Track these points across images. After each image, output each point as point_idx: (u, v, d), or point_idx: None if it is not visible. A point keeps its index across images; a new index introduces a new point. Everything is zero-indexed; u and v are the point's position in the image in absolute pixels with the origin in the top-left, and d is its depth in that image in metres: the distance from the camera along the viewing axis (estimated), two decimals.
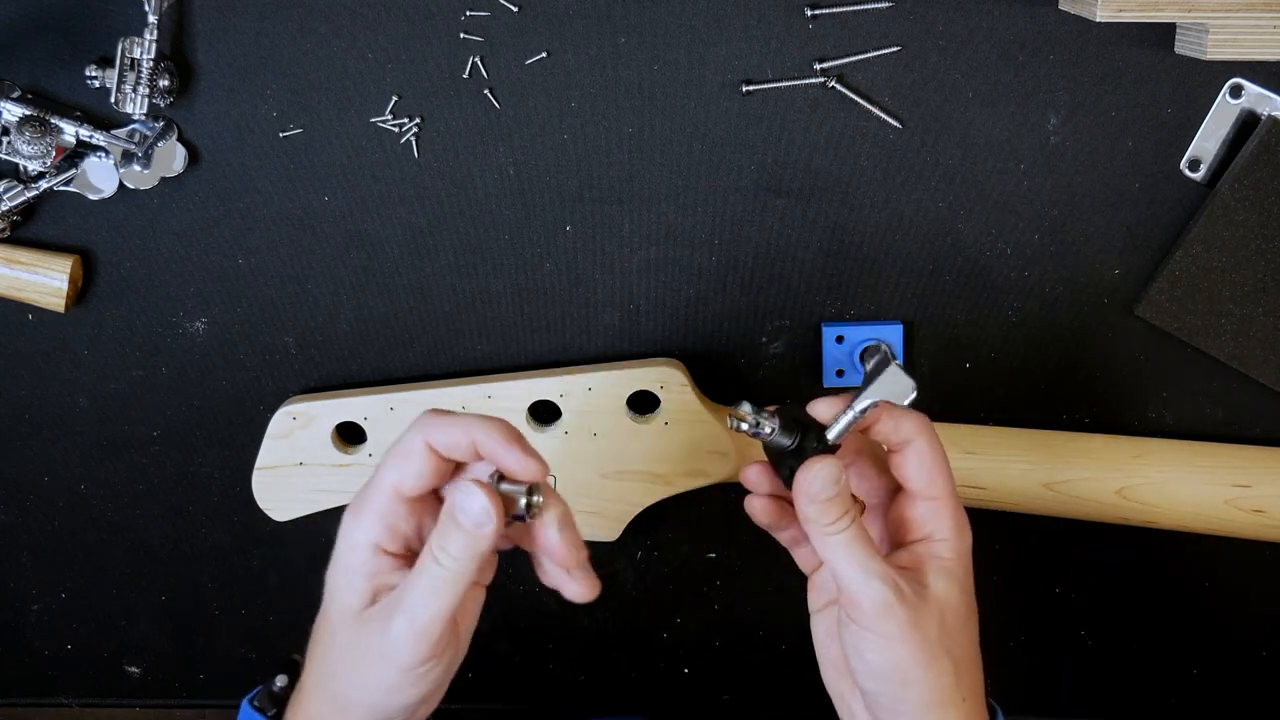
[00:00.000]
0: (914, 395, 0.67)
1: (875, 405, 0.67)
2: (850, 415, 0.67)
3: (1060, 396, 0.89)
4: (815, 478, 0.65)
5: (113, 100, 0.80)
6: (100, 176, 0.84)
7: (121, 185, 0.84)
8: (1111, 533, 0.91)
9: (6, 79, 0.82)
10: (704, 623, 0.95)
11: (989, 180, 0.85)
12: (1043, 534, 0.92)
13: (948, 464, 0.68)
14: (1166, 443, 0.88)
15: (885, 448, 0.69)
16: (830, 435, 0.67)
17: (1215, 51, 0.77)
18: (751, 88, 0.83)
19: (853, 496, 0.68)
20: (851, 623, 0.66)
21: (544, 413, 0.87)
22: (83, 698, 0.97)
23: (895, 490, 0.70)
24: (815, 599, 0.71)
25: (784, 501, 0.71)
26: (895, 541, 0.70)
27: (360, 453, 0.87)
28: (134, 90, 0.80)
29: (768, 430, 0.66)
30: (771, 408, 0.67)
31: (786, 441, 0.67)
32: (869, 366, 0.67)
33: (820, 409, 0.68)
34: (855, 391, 0.67)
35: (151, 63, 0.79)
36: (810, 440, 0.67)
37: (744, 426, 0.66)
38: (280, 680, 0.77)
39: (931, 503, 0.68)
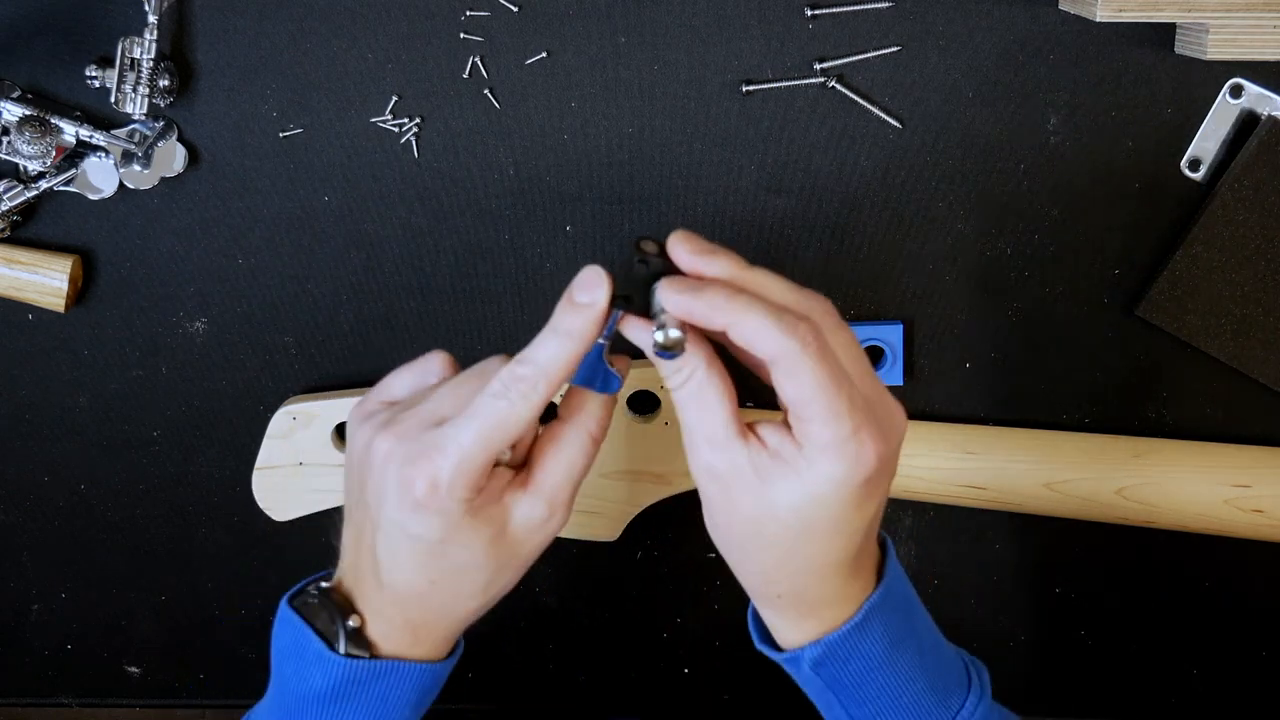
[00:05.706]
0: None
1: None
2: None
3: (1060, 396, 0.89)
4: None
5: (113, 100, 0.80)
6: (100, 176, 0.84)
7: (121, 185, 0.84)
8: (1111, 533, 0.91)
9: (6, 79, 0.82)
10: (704, 623, 0.95)
11: (989, 180, 0.85)
12: (1043, 534, 0.92)
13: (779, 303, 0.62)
14: (1166, 443, 0.88)
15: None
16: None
17: (1215, 51, 0.77)
18: (751, 88, 0.83)
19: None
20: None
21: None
22: (83, 698, 0.97)
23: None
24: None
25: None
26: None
27: None
28: (134, 90, 0.80)
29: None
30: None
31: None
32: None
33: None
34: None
35: (151, 63, 0.79)
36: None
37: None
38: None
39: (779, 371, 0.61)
